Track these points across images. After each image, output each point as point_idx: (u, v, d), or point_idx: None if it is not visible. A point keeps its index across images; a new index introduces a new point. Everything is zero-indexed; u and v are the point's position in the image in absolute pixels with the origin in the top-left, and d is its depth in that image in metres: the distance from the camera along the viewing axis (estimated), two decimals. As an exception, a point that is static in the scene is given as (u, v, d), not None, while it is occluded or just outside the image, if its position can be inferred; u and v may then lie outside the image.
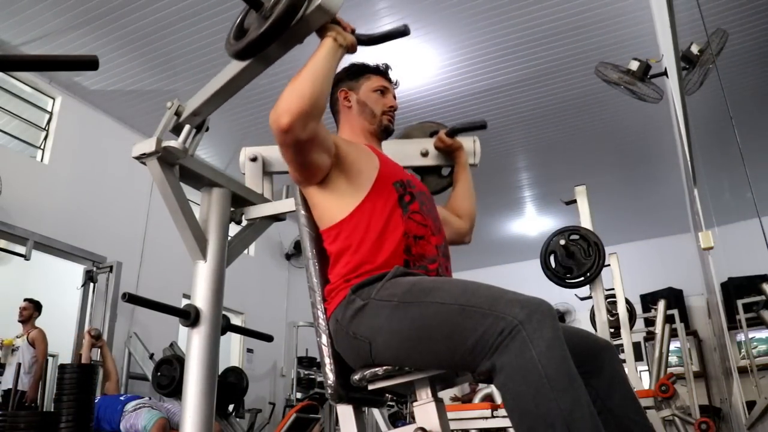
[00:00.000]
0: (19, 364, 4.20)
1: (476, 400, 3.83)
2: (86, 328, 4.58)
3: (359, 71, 1.59)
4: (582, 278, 3.50)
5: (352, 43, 1.37)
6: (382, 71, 1.62)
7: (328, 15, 1.32)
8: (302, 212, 1.45)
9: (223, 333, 1.71)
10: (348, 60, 1.51)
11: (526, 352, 0.98)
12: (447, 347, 1.10)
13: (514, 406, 0.99)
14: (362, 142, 1.54)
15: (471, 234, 1.76)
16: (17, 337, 4.69)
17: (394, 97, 1.62)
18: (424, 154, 1.84)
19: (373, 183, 1.39)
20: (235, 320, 6.37)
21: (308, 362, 6.79)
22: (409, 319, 1.15)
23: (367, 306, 1.23)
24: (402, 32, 1.46)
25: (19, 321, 4.67)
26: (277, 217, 1.92)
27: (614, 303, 4.32)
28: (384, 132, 1.58)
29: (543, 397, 0.96)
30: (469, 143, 1.86)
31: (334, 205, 1.37)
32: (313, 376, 6.72)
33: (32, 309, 4.69)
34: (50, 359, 5.57)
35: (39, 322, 4.76)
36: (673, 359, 6.53)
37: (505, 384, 1.00)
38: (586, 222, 3.64)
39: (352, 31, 1.39)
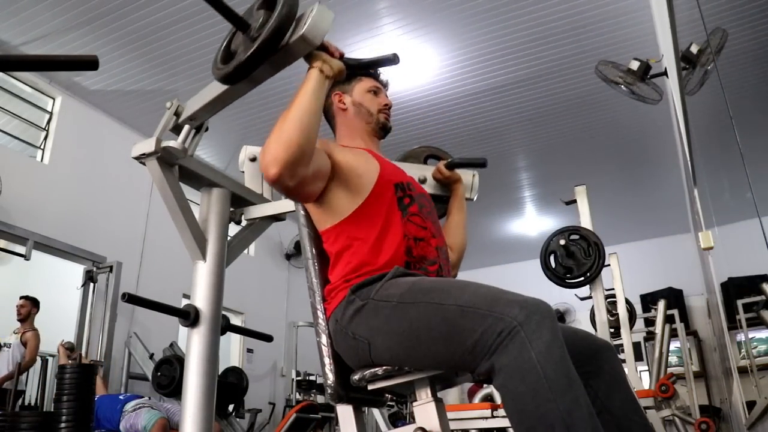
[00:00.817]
0: (19, 364, 4.20)
1: (476, 400, 3.83)
2: (63, 342, 4.55)
3: (350, 74, 1.59)
4: (582, 278, 3.50)
5: (339, 71, 1.34)
6: (372, 73, 1.63)
7: (311, 45, 1.29)
8: (302, 212, 1.45)
9: (223, 333, 1.71)
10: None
11: (525, 353, 0.98)
12: (446, 348, 1.10)
13: (513, 406, 1.00)
14: (361, 145, 1.53)
15: (458, 268, 1.70)
16: (14, 332, 4.67)
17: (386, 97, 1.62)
18: (422, 181, 1.81)
19: (373, 186, 1.38)
20: (235, 320, 6.37)
21: (307, 385, 6.63)
22: (408, 319, 1.15)
23: (367, 306, 1.23)
24: (391, 60, 1.46)
25: (18, 319, 4.67)
26: (277, 217, 1.92)
27: (614, 303, 4.32)
28: (382, 130, 1.58)
29: (542, 398, 0.96)
30: (468, 177, 1.83)
31: (334, 209, 1.37)
32: (312, 400, 6.58)
33: (29, 306, 4.67)
34: (50, 359, 5.57)
35: (39, 321, 4.76)
36: (673, 359, 6.53)
37: (504, 385, 1.00)
38: (586, 222, 3.64)
39: (341, 56, 1.37)
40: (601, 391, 1.21)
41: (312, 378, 6.69)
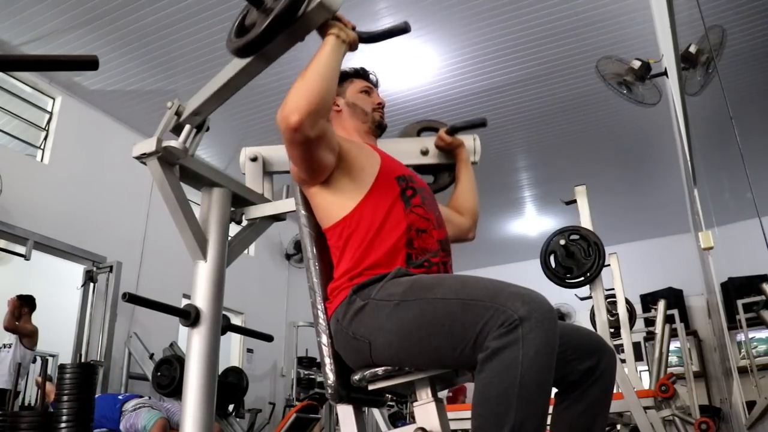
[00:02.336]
0: (19, 364, 4.20)
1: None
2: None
3: (341, 77, 1.60)
4: (582, 278, 3.50)
5: (354, 40, 1.37)
6: (362, 74, 1.64)
7: (329, 12, 1.31)
8: (302, 212, 1.45)
9: (223, 333, 1.70)
10: (351, 64, 1.49)
11: (515, 350, 0.99)
12: (449, 343, 1.10)
13: (480, 391, 1.02)
14: (362, 141, 1.54)
15: (474, 230, 1.77)
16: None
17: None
18: (425, 153, 1.83)
19: (375, 179, 1.39)
20: (235, 320, 6.37)
21: (308, 362, 6.80)
22: (411, 316, 1.15)
23: (367, 306, 1.23)
24: (403, 29, 1.45)
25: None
26: (277, 217, 1.92)
27: (614, 303, 4.32)
28: (378, 128, 1.60)
29: (506, 400, 0.98)
30: (470, 141, 1.85)
31: (337, 204, 1.37)
32: (313, 376, 6.73)
33: (16, 305, 4.67)
34: (50, 359, 5.58)
35: (40, 321, 4.75)
36: (673, 359, 6.53)
37: (481, 369, 1.02)
38: (586, 222, 3.64)
39: (353, 29, 1.39)
40: (590, 394, 1.22)
41: (313, 356, 6.78)
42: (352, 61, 1.56)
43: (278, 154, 1.96)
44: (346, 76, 1.62)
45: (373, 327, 1.20)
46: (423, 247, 1.35)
